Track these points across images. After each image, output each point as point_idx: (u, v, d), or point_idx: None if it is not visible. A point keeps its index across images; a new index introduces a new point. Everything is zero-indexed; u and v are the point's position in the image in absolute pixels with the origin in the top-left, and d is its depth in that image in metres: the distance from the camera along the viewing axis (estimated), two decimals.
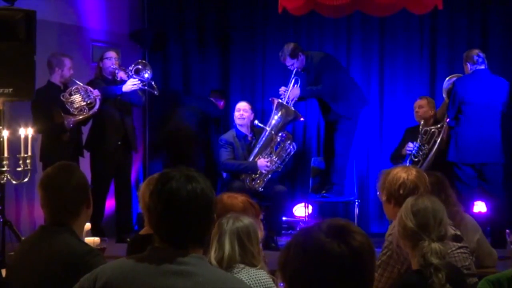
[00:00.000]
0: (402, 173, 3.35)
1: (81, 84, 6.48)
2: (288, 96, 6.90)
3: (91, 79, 6.82)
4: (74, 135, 6.57)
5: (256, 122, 6.84)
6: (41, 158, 6.44)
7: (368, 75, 7.98)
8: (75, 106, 6.39)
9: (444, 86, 7.00)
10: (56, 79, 6.53)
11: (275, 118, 6.81)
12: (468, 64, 6.49)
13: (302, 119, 7.16)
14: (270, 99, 7.09)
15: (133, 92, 6.69)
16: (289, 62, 6.97)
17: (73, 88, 6.42)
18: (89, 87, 6.46)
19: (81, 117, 6.42)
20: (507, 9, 7.55)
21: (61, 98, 6.34)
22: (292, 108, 6.87)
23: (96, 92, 6.44)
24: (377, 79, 7.95)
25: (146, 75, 6.73)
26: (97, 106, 6.44)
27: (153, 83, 6.77)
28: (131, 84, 6.62)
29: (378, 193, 3.48)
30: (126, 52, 7.56)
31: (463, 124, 6.42)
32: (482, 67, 6.46)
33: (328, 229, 1.59)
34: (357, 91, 7.29)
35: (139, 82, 6.65)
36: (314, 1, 6.90)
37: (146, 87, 6.76)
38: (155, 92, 6.79)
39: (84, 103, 6.41)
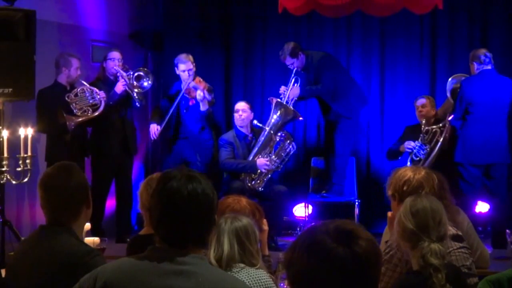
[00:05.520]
0: (410, 171, 3.37)
1: (88, 85, 6.47)
2: (288, 96, 6.90)
3: (91, 79, 6.81)
4: (79, 135, 6.56)
5: (255, 122, 6.85)
6: (46, 158, 6.44)
7: (368, 75, 7.98)
8: (79, 107, 6.38)
9: (448, 86, 6.92)
10: (62, 79, 6.54)
11: (274, 118, 6.81)
12: (475, 64, 6.43)
13: (301, 118, 7.15)
14: (269, 98, 7.09)
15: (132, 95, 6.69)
16: (289, 61, 6.97)
17: (79, 89, 6.42)
18: (95, 89, 6.44)
19: (83, 118, 6.40)
20: (507, 9, 7.55)
21: (66, 98, 6.34)
22: (291, 108, 6.87)
23: (102, 94, 6.44)
24: (377, 79, 7.95)
25: (145, 84, 6.71)
26: (101, 108, 6.43)
27: (134, 94, 6.67)
28: (121, 85, 6.61)
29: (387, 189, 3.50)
30: (126, 52, 7.55)
31: (470, 124, 6.38)
32: (489, 67, 6.41)
33: (335, 233, 1.59)
34: (357, 90, 7.29)
35: (125, 82, 6.61)
36: (314, 1, 6.89)
37: (135, 93, 6.68)
38: (137, 104, 6.71)
39: (89, 104, 6.40)
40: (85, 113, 6.40)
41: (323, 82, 6.97)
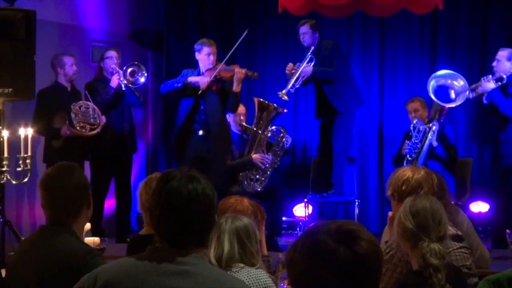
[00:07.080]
0: (409, 171, 3.38)
1: (93, 104, 6.42)
2: (300, 72, 6.83)
3: (90, 80, 6.80)
4: (78, 136, 6.53)
5: (242, 123, 6.86)
6: (44, 159, 6.43)
7: (368, 75, 7.98)
8: (78, 120, 6.34)
9: (430, 87, 6.76)
10: (61, 79, 6.53)
11: (258, 117, 6.77)
12: None
13: (285, 111, 7.07)
14: (252, 97, 7.07)
15: (129, 92, 6.67)
16: (304, 29, 6.88)
17: (86, 104, 6.40)
18: (98, 110, 6.41)
19: (79, 133, 6.35)
20: (507, 9, 7.55)
21: (71, 107, 6.30)
22: (273, 104, 6.78)
23: (103, 119, 6.41)
24: (377, 79, 7.95)
25: (142, 79, 6.66)
26: (96, 131, 6.38)
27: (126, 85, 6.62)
28: (116, 79, 6.58)
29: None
30: (126, 52, 7.56)
31: None
32: None
33: (336, 233, 1.59)
34: (356, 89, 7.28)
35: (118, 76, 6.56)
36: (314, 1, 6.89)
37: (130, 88, 6.64)
38: (122, 86, 6.56)
39: (89, 122, 6.37)
40: (82, 129, 6.35)
41: (336, 66, 6.90)
